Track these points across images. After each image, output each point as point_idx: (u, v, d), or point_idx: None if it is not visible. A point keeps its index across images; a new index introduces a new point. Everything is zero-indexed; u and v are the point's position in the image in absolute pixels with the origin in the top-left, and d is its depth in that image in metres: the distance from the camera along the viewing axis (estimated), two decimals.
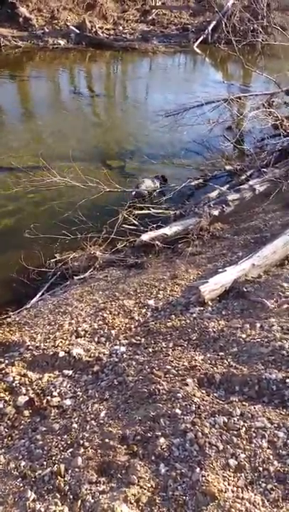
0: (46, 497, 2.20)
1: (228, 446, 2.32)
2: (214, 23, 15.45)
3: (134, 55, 14.60)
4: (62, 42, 14.30)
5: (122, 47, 14.69)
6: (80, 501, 2.14)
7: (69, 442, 2.50)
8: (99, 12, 15.84)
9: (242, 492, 2.11)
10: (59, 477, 2.28)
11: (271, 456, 2.27)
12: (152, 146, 8.02)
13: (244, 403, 2.59)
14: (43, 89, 11.35)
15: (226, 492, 2.10)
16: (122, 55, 14.37)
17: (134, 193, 6.07)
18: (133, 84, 12.55)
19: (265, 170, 6.36)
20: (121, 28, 16.01)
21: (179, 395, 2.65)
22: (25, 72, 12.30)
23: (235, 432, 2.40)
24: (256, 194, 5.99)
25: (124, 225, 5.20)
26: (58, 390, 2.90)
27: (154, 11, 17.26)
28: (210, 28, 15.48)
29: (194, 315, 3.54)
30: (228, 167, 7.08)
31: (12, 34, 13.99)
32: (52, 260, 4.79)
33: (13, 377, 3.00)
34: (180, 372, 2.87)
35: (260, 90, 8.79)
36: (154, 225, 5.26)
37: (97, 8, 15.76)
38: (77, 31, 14.54)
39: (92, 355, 3.18)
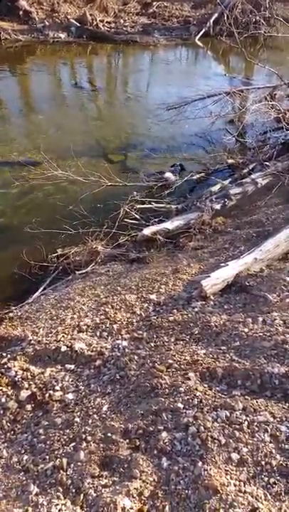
0: (49, 491, 2.21)
1: (231, 441, 2.32)
2: (216, 15, 15.28)
3: (136, 48, 14.48)
4: (62, 35, 14.19)
5: (123, 40, 14.56)
6: (82, 495, 2.14)
7: (71, 436, 2.50)
8: (99, 5, 15.69)
9: (244, 486, 2.11)
10: (61, 471, 2.28)
11: (274, 450, 2.26)
12: (154, 139, 7.97)
13: (246, 397, 2.59)
14: (43, 83, 11.28)
15: (228, 486, 2.10)
16: (123, 49, 14.26)
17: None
18: (134, 78, 12.46)
19: (267, 163, 6.33)
20: (122, 21, 15.86)
21: (181, 389, 2.64)
22: (26, 65, 12.22)
23: (237, 426, 2.40)
24: (258, 188, 5.96)
25: (125, 220, 5.19)
26: (60, 385, 2.90)
27: (155, 3, 17.07)
28: (212, 20, 15.31)
29: (196, 309, 3.53)
30: (230, 161, 7.03)
31: (12, 28, 13.88)
32: (54, 255, 4.78)
33: (16, 371, 3.01)
34: (182, 366, 2.87)
35: (262, 83, 8.70)
36: (156, 220, 5.24)
37: (97, 1, 15.60)
38: (78, 24, 14.41)
39: (94, 349, 3.18)
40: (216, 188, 5.98)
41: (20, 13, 14.19)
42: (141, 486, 2.14)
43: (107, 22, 15.43)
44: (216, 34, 13.98)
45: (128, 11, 16.41)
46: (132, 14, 16.36)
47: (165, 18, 16.67)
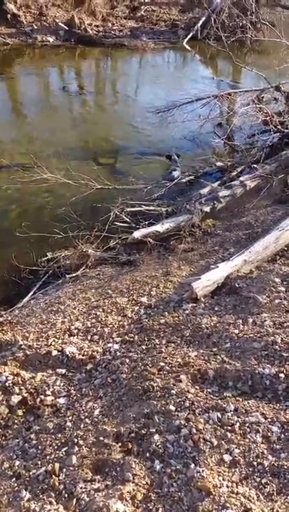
0: (41, 496, 2.19)
1: (223, 442, 2.33)
2: (203, 19, 15.41)
3: (124, 52, 14.52)
4: (51, 39, 14.18)
5: (112, 44, 14.60)
6: (75, 500, 2.13)
7: (63, 441, 2.49)
8: (88, 9, 15.72)
9: (237, 487, 2.12)
10: (54, 476, 2.27)
11: (265, 451, 2.28)
12: (143, 143, 8.00)
13: (238, 398, 2.61)
14: (32, 86, 11.25)
15: (220, 487, 2.11)
16: (111, 52, 14.29)
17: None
18: (123, 81, 12.49)
19: (255, 166, 6.38)
20: (110, 24, 15.90)
21: (172, 391, 2.65)
22: (14, 69, 12.18)
23: (229, 428, 2.41)
24: (247, 190, 6.01)
25: (115, 223, 5.18)
26: (51, 389, 2.89)
27: (143, 7, 17.17)
28: (199, 24, 15.44)
29: (187, 311, 3.55)
30: (218, 163, 7.07)
31: (0, 31, 13.85)
32: (44, 259, 4.76)
33: (6, 376, 2.98)
34: (174, 368, 2.87)
35: (249, 86, 8.77)
36: (146, 222, 5.25)
37: (85, 5, 15.64)
38: (66, 28, 14.42)
39: (86, 353, 3.17)
40: (205, 191, 6.01)
41: (8, 16, 14.18)
42: (134, 490, 2.14)
43: (95, 26, 15.47)
44: (204, 38, 14.09)
45: (116, 14, 16.48)
46: (120, 18, 16.44)
47: (153, 21, 16.78)
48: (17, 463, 2.42)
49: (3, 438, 2.63)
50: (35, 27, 14.37)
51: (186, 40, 15.36)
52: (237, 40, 9.76)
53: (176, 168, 6.84)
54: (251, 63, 10.75)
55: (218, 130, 8.13)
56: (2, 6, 13.99)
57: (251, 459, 2.24)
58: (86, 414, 2.66)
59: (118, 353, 3.15)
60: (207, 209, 5.46)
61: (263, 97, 8.15)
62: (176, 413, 2.50)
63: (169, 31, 16.27)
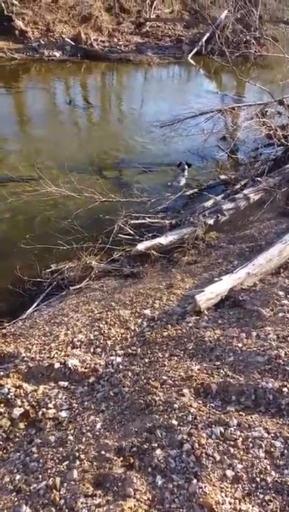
0: (41, 511, 2.16)
1: (225, 457, 2.30)
2: (208, 34, 15.67)
3: (129, 67, 14.75)
4: (57, 54, 14.45)
5: (117, 59, 14.84)
6: None
7: (65, 455, 2.47)
8: (94, 24, 16.03)
9: (239, 503, 2.09)
10: (54, 491, 2.24)
11: (268, 467, 2.25)
12: (147, 156, 8.07)
13: (241, 413, 2.58)
14: (38, 100, 11.42)
15: (223, 504, 2.08)
16: (116, 67, 14.51)
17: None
18: (128, 96, 12.66)
19: (259, 179, 6.41)
20: (116, 40, 16.19)
21: (175, 405, 2.63)
22: (21, 83, 12.40)
23: (232, 443, 2.38)
24: (251, 203, 6.03)
25: (119, 235, 5.21)
26: (53, 402, 2.88)
27: (148, 23, 17.48)
28: (204, 39, 15.69)
29: (190, 324, 3.53)
30: (222, 176, 7.12)
31: (8, 46, 14.14)
32: (47, 270, 4.77)
33: (8, 389, 2.97)
34: (176, 382, 2.86)
35: (253, 100, 8.87)
36: (150, 235, 5.27)
37: (92, 21, 15.95)
38: (73, 43, 14.70)
39: (88, 366, 3.16)
40: (209, 204, 6.04)
41: (17, 32, 14.49)
42: (135, 505, 2.11)
43: (101, 41, 15.75)
44: (208, 53, 14.28)
45: (122, 30, 16.78)
46: (125, 33, 16.73)
47: (158, 37, 17.06)
48: (18, 477, 2.39)
49: (5, 451, 2.61)
50: (43, 42, 14.65)
51: (190, 55, 15.59)
52: (241, 55, 9.92)
53: (181, 179, 7.01)
54: (255, 78, 10.88)
55: (221, 144, 8.20)
56: (10, 22, 14.30)
57: (254, 475, 2.21)
58: (88, 427, 2.65)
59: (121, 366, 3.13)
60: (211, 222, 5.48)
61: (266, 111, 8.22)
62: (179, 427, 2.48)
63: (173, 46, 16.54)
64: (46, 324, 3.87)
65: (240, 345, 3.17)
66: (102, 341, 3.46)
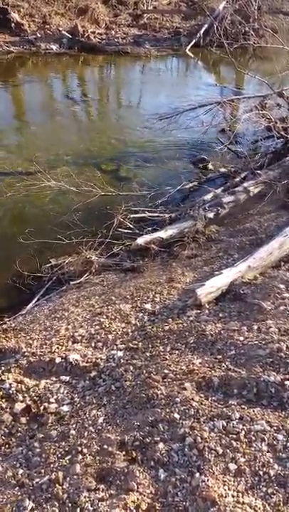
0: (44, 506, 2.17)
1: (228, 451, 2.30)
2: (206, 26, 15.51)
3: (127, 59, 14.62)
4: (54, 47, 14.30)
5: (115, 51, 14.71)
6: (78, 509, 2.11)
7: (67, 449, 2.47)
8: (91, 17, 15.86)
9: (242, 497, 2.09)
10: (57, 485, 2.25)
11: (271, 460, 2.25)
12: (146, 149, 8.02)
13: (243, 406, 2.58)
14: (36, 94, 11.34)
15: (226, 497, 2.08)
16: (114, 60, 14.39)
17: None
18: (126, 88, 12.56)
19: (259, 172, 6.37)
20: (113, 32, 16.03)
21: (177, 399, 2.63)
22: (18, 77, 12.29)
23: (234, 436, 2.38)
24: (251, 196, 6.00)
25: (119, 229, 5.19)
26: (55, 397, 2.88)
27: (145, 15, 17.29)
28: (202, 31, 15.53)
29: (191, 318, 3.53)
30: (222, 169, 7.08)
31: (4, 39, 13.98)
32: (47, 265, 4.76)
33: (10, 384, 2.97)
34: (178, 376, 2.85)
35: (252, 92, 8.83)
36: (150, 229, 5.25)
37: (89, 13, 15.77)
38: (70, 36, 14.55)
39: (89, 360, 3.16)
40: (208, 197, 6.01)
41: (12, 25, 14.32)
42: (138, 499, 2.12)
43: (98, 33, 15.59)
44: (206, 45, 14.16)
45: (119, 22, 16.60)
46: (123, 26, 16.55)
47: (156, 29, 16.89)
48: (20, 471, 2.40)
49: (7, 446, 2.61)
50: (39, 35, 14.50)
51: (188, 47, 15.44)
52: (239, 46, 9.81)
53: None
54: (254, 70, 10.81)
55: (221, 136, 8.14)
56: (6, 14, 14.14)
57: (257, 468, 2.21)
58: (90, 422, 2.65)
59: (122, 360, 3.13)
60: (211, 215, 5.45)
61: (265, 103, 8.16)
62: (181, 421, 2.48)
63: (171, 38, 16.38)
64: (47, 319, 3.87)
65: (241, 338, 3.17)
66: (103, 336, 3.45)
